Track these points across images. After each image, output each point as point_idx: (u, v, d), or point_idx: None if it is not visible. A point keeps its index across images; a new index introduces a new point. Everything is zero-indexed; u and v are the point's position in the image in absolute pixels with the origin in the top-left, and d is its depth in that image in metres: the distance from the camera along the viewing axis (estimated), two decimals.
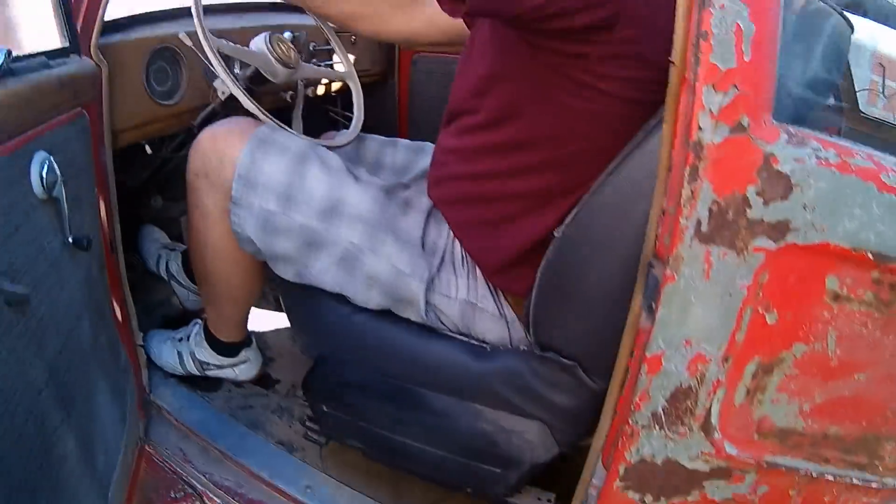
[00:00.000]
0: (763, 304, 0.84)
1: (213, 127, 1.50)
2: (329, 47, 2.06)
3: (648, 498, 1.00)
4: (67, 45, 1.34)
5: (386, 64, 2.53)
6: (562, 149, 1.25)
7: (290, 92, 1.94)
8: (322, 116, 2.43)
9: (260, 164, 1.40)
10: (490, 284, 1.39)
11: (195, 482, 1.66)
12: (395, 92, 2.56)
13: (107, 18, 1.46)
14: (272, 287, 2.26)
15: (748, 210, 0.81)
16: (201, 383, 1.89)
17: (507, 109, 1.27)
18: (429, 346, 1.39)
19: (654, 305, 0.88)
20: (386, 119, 2.55)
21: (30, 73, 1.15)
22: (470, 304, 1.39)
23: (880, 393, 0.87)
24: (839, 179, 0.79)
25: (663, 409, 0.92)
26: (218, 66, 1.47)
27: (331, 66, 2.08)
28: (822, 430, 0.90)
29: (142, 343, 1.77)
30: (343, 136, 1.74)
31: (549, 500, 1.51)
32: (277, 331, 2.21)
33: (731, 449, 0.92)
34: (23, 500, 1.00)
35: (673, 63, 0.83)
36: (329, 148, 1.55)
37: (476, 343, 1.39)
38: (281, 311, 2.22)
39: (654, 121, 1.08)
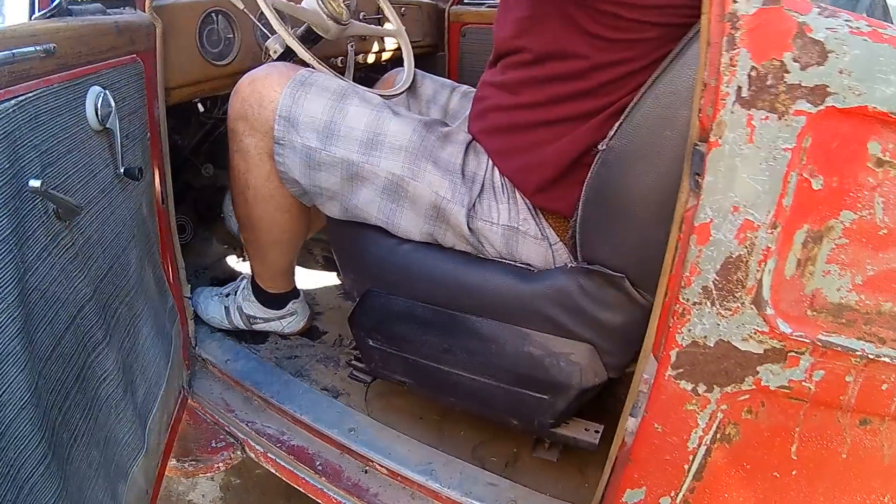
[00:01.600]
0: (808, 169, 0.81)
1: (252, 72, 1.49)
2: (378, 16, 2.11)
3: (701, 388, 0.95)
4: None
5: (436, 36, 2.54)
6: (600, 76, 1.23)
7: (341, 57, 1.96)
8: (371, 84, 2.42)
9: (300, 103, 1.40)
10: (531, 208, 1.36)
11: (237, 431, 1.65)
12: (445, 62, 2.58)
13: None
14: (321, 247, 2.29)
15: (786, 75, 0.79)
16: (247, 337, 1.91)
17: (548, 48, 1.26)
18: (474, 271, 1.35)
19: (699, 177, 0.84)
20: None
21: (87, 15, 1.20)
22: (512, 228, 1.35)
23: None
24: (872, 47, 0.76)
25: (714, 283, 0.87)
26: (273, 20, 1.49)
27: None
28: (875, 306, 0.84)
29: (189, 296, 1.77)
30: (395, 88, 1.73)
31: (596, 431, 1.44)
32: (326, 288, 2.20)
33: (784, 327, 0.87)
34: (58, 409, 1.00)
35: None
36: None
37: (522, 266, 1.36)
38: (329, 269, 2.25)
39: (692, 33, 1.07)
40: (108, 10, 1.28)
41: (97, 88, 1.13)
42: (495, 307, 1.33)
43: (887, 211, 0.80)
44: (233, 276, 2.16)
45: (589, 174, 1.23)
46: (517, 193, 1.37)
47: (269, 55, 1.65)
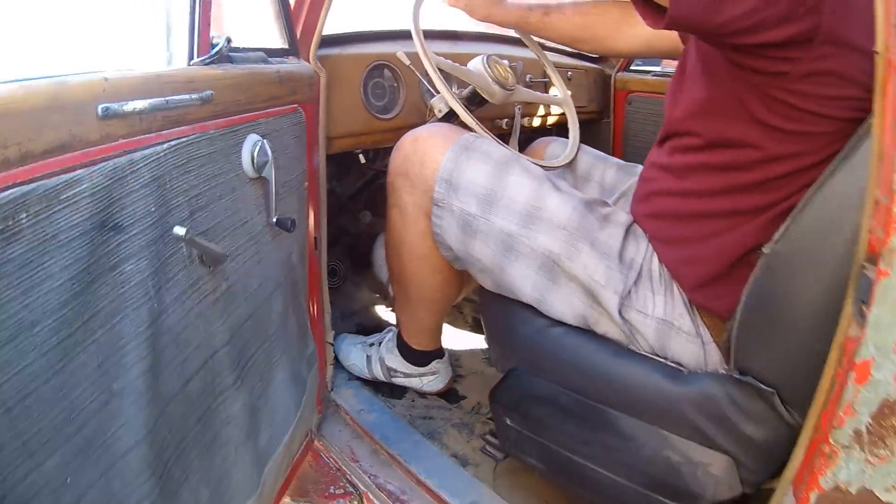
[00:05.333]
0: None
1: (416, 130, 1.47)
2: (544, 80, 2.10)
3: None
4: (286, 47, 1.38)
5: (602, 102, 2.47)
6: (773, 169, 1.12)
7: (507, 119, 1.92)
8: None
9: (462, 168, 1.37)
10: (687, 303, 1.25)
11: (358, 481, 1.60)
12: (610, 129, 2.49)
13: (325, 33, 1.49)
14: (472, 308, 2.23)
15: None
16: (385, 389, 1.86)
17: (721, 134, 1.17)
18: (623, 364, 1.25)
19: (865, 308, 0.72)
20: None
21: (248, 63, 1.19)
22: (666, 322, 1.25)
23: None
24: None
25: (867, 427, 0.74)
26: (437, 81, 1.47)
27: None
28: None
29: (331, 341, 1.75)
30: (557, 160, 1.67)
31: None
32: (471, 351, 2.12)
33: None
34: (174, 447, 0.99)
35: (877, 52, 0.69)
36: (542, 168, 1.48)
37: (672, 365, 1.24)
38: (477, 332, 2.18)
39: (861, 131, 0.94)
40: (269, 59, 1.28)
41: (255, 136, 1.13)
42: (640, 405, 1.22)
43: None
44: (379, 325, 2.13)
45: (751, 277, 1.10)
46: (674, 286, 1.27)
47: (434, 113, 1.63)
